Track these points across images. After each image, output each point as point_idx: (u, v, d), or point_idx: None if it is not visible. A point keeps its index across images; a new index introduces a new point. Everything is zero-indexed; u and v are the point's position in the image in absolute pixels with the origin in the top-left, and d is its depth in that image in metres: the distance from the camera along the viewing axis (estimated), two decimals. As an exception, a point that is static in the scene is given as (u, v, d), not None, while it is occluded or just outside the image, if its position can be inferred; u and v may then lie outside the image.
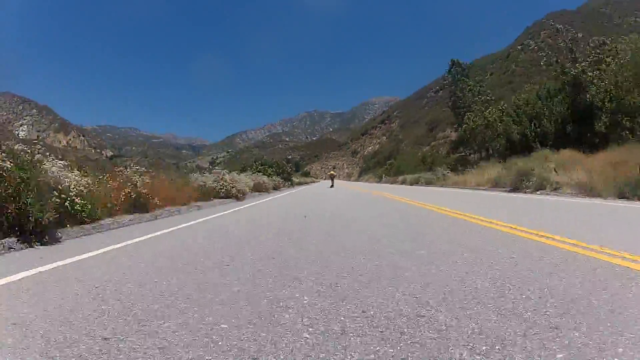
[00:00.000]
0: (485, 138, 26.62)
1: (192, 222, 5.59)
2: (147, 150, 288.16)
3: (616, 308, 1.62)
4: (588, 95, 19.80)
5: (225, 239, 4.01)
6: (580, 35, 73.20)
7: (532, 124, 23.34)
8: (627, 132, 15.74)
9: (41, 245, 3.71)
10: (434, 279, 2.16)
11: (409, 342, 1.33)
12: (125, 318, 1.64)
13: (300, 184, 38.97)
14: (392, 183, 39.33)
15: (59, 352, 1.33)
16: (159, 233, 4.50)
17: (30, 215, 3.56)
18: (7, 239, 3.55)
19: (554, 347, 1.27)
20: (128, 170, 6.09)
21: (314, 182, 63.80)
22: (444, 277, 2.19)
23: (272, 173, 24.39)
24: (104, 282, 2.27)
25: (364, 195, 13.82)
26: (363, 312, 1.65)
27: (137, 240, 4.00)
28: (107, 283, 2.24)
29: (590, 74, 20.46)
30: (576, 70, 21.62)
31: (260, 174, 20.04)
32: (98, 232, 4.58)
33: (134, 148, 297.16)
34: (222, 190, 10.28)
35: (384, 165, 68.49)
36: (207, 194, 9.31)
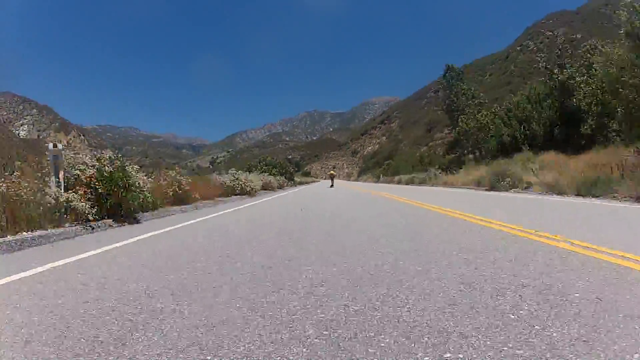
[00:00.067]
0: (478, 139, 28.06)
1: (227, 211, 7.10)
2: (147, 150, 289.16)
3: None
4: (574, 100, 20.99)
5: (251, 224, 5.44)
6: (579, 36, 74.08)
7: (522, 127, 24.75)
8: (614, 135, 16.88)
9: (128, 224, 5.15)
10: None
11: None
12: (205, 255, 3.06)
13: (301, 183, 40.70)
14: (389, 183, 41.14)
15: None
16: (206, 217, 6.02)
17: (123, 204, 4.99)
18: (107, 219, 4.98)
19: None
20: (173, 172, 7.54)
21: (314, 181, 65.48)
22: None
23: (276, 173, 25.85)
24: (174, 245, 3.66)
25: (364, 195, 14.05)
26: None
27: (192, 221, 5.46)
28: (178, 246, 3.63)
29: (578, 78, 21.65)
30: (563, 76, 22.96)
31: (266, 174, 21.49)
32: (162, 217, 6.11)
33: (134, 148, 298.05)
34: (238, 188, 11.73)
35: (382, 166, 70.12)
36: (227, 191, 10.79)
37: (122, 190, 4.89)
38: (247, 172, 19.14)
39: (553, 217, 5.29)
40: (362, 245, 3.28)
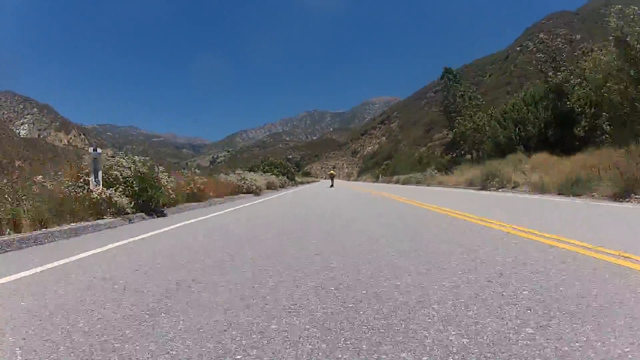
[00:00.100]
0: (475, 141, 28.82)
1: (239, 207, 7.86)
2: (147, 150, 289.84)
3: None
4: (568, 102, 21.63)
5: (261, 219, 6.19)
6: (578, 37, 74.39)
7: (517, 128, 25.49)
8: (607, 136, 17.55)
9: (157, 217, 5.91)
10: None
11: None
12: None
13: (302, 183, 41.68)
14: (387, 182, 42.20)
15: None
16: (221, 212, 6.77)
17: (152, 200, 5.75)
18: (139, 213, 5.74)
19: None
20: (189, 172, 8.34)
21: (314, 181, 66.38)
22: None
23: (278, 173, 26.64)
24: (195, 235, 4.37)
25: (364, 195, 14.21)
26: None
27: (209, 215, 6.23)
28: (196, 236, 4.36)
29: (572, 81, 22.29)
30: (557, 80, 23.69)
31: (269, 173, 22.27)
32: (184, 211, 6.91)
33: (134, 147, 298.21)
34: (245, 187, 12.50)
35: (382, 166, 71.06)
36: (235, 190, 11.56)
37: (154, 188, 5.66)
38: (251, 172, 19.93)
39: (519, 210, 6.04)
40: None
